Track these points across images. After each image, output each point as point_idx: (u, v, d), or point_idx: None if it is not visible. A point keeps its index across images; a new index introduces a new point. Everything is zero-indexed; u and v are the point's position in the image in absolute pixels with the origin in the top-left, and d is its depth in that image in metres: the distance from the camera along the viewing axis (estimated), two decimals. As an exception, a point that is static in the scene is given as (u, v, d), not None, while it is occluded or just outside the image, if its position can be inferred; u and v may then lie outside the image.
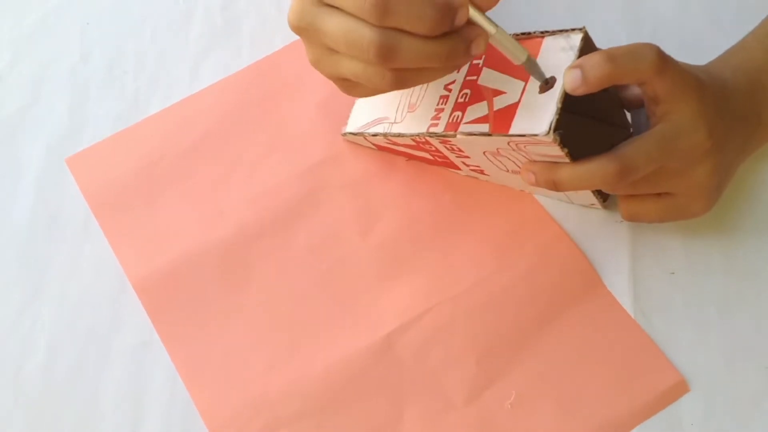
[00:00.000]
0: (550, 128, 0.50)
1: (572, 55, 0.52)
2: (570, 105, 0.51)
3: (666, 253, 0.60)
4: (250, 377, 0.57)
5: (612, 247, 0.60)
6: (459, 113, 0.56)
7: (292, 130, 0.66)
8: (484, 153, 0.57)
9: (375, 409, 0.56)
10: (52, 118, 0.68)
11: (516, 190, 0.62)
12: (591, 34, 0.53)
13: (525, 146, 0.53)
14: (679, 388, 0.55)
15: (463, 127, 0.55)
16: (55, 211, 0.64)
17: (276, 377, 0.57)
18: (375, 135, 0.61)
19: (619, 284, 0.59)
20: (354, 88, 0.55)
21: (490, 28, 0.50)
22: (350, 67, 0.51)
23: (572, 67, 0.50)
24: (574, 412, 0.55)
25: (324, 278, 0.60)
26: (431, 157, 0.62)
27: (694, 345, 0.57)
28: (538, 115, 0.51)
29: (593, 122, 0.60)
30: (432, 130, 0.57)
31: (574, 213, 0.62)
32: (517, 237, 0.61)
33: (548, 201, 0.62)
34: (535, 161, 0.54)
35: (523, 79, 0.53)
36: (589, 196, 0.59)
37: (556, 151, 0.51)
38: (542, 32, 0.54)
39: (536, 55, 0.53)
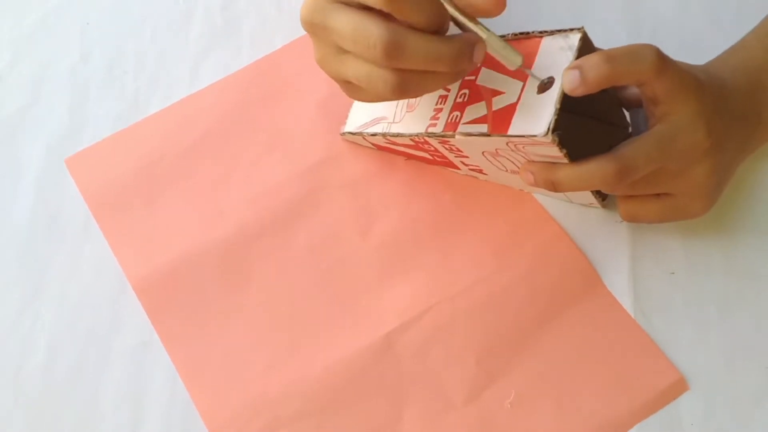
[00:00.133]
0: (548, 129, 0.50)
1: (571, 55, 0.52)
2: (568, 105, 0.51)
3: (666, 253, 0.60)
4: (250, 377, 0.57)
5: (612, 246, 0.60)
6: (458, 113, 0.56)
7: (292, 130, 0.66)
8: (483, 153, 0.57)
9: (375, 409, 0.56)
10: (52, 118, 0.68)
11: (516, 189, 0.62)
12: (591, 34, 0.53)
13: (524, 147, 0.52)
14: (679, 387, 0.55)
15: (461, 128, 0.55)
16: (54, 212, 0.64)
17: (276, 377, 0.57)
18: (374, 135, 0.61)
19: (619, 284, 0.59)
20: (357, 91, 0.55)
21: (481, 34, 0.50)
22: (355, 69, 0.51)
23: (571, 67, 0.50)
24: (573, 412, 0.55)
25: (324, 278, 0.60)
26: (430, 157, 0.62)
27: (694, 345, 0.57)
28: (536, 115, 0.51)
29: (592, 122, 0.59)
30: (430, 130, 0.57)
31: (574, 213, 0.61)
32: (517, 237, 0.61)
33: (548, 200, 0.62)
34: (534, 161, 0.54)
35: (521, 79, 0.53)
36: (588, 196, 0.59)
37: (555, 152, 0.51)
38: (540, 32, 0.54)
39: (535, 54, 0.53)
